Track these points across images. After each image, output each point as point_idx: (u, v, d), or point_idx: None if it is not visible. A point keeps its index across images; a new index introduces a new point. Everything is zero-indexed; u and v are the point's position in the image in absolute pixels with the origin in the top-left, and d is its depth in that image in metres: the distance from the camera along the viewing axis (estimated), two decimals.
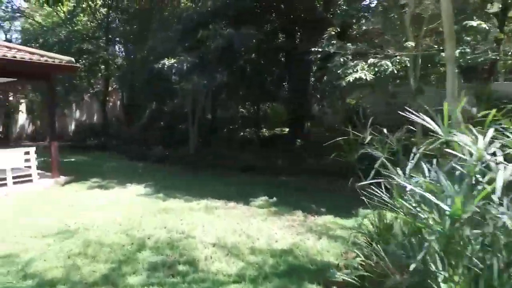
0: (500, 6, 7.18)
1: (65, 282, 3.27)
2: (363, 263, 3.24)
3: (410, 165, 2.37)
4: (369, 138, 3.16)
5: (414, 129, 4.32)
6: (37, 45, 12.98)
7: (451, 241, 1.96)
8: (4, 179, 7.10)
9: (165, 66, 7.76)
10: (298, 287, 3.32)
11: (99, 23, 15.93)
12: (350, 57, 6.19)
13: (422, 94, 6.19)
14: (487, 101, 6.34)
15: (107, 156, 12.55)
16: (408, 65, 5.70)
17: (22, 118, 18.17)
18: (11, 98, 17.24)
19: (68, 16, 15.20)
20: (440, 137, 2.08)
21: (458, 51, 5.43)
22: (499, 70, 11.42)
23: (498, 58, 7.16)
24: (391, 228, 3.83)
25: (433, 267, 2.02)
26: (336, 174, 8.68)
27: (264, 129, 13.17)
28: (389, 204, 3.07)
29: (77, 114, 20.47)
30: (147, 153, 11.29)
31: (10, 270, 3.54)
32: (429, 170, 2.22)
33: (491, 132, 1.90)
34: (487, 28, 5.48)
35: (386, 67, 5.49)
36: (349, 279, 2.95)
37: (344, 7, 10.05)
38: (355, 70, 5.76)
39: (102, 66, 15.93)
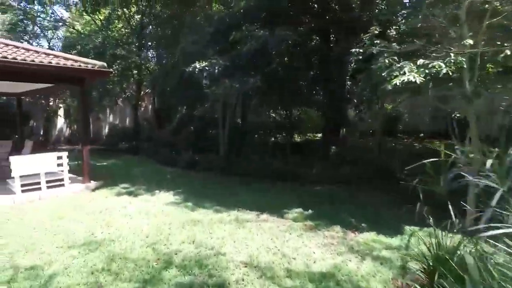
0: None
1: None
2: None
3: None
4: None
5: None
6: (75, 51, 13.37)
7: None
8: (39, 183, 7.17)
9: (196, 70, 7.53)
10: None
11: (133, 29, 16.23)
12: (395, 57, 5.61)
13: (479, 98, 5.49)
14: None
15: (138, 160, 12.61)
16: (465, 66, 5.04)
17: (60, 122, 18.88)
18: (51, 103, 18.00)
19: (104, 23, 15.60)
20: None
21: None
22: None
23: None
24: (454, 253, 3.26)
25: None
26: (374, 184, 8.09)
27: (296, 135, 12.68)
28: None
29: (111, 118, 21.03)
30: (176, 158, 11.16)
31: (32, 285, 3.34)
32: None
33: None
34: None
35: (439, 68, 4.87)
36: None
37: (383, 6, 9.42)
38: (402, 72, 5.18)
39: (135, 71, 16.19)
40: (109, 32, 15.56)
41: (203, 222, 5.22)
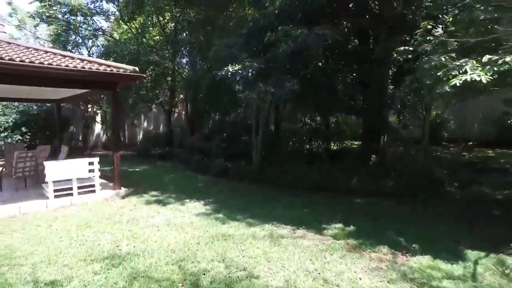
0: None
1: None
2: None
3: None
4: None
5: None
6: (112, 58, 13.65)
7: None
8: (71, 188, 7.14)
9: (229, 73, 7.18)
10: None
11: (167, 36, 16.41)
12: (453, 55, 4.92)
13: None
14: None
15: (169, 167, 12.51)
16: None
17: (98, 128, 19.46)
18: (89, 110, 18.62)
19: (139, 31, 15.89)
20: None
21: None
22: None
23: None
24: None
25: None
26: (420, 197, 7.29)
27: (332, 143, 11.97)
28: None
29: (145, 124, 21.42)
30: (208, 165, 10.90)
31: None
32: None
33: None
34: None
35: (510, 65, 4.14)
36: None
37: (429, 3, 8.61)
38: (463, 71, 4.49)
39: (169, 78, 16.31)
40: (144, 39, 15.81)
41: (234, 237, 4.78)
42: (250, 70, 7.02)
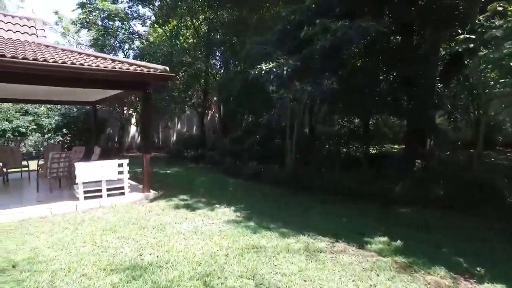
0: None
1: None
2: None
3: None
4: None
5: None
6: (145, 60, 13.75)
7: None
8: (100, 190, 7.05)
9: (262, 72, 6.76)
10: None
11: (200, 38, 16.36)
12: None
13: None
14: None
15: (201, 169, 12.30)
16: None
17: (133, 129, 19.85)
18: (125, 111, 19.05)
19: (173, 33, 15.97)
20: None
21: None
22: None
23: None
24: None
25: None
26: (475, 207, 6.39)
27: (371, 146, 11.15)
28: None
29: (179, 125, 21.58)
30: (240, 168, 10.53)
31: None
32: None
33: None
34: None
35: None
36: None
37: None
38: None
39: (202, 81, 16.23)
40: (178, 41, 15.85)
41: (266, 249, 4.31)
42: (285, 68, 6.54)
